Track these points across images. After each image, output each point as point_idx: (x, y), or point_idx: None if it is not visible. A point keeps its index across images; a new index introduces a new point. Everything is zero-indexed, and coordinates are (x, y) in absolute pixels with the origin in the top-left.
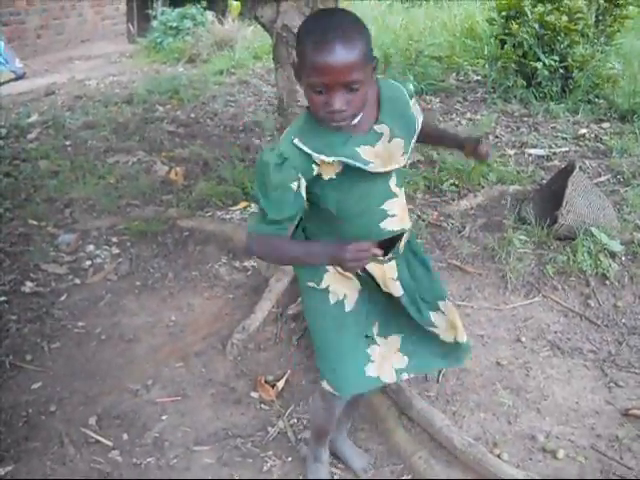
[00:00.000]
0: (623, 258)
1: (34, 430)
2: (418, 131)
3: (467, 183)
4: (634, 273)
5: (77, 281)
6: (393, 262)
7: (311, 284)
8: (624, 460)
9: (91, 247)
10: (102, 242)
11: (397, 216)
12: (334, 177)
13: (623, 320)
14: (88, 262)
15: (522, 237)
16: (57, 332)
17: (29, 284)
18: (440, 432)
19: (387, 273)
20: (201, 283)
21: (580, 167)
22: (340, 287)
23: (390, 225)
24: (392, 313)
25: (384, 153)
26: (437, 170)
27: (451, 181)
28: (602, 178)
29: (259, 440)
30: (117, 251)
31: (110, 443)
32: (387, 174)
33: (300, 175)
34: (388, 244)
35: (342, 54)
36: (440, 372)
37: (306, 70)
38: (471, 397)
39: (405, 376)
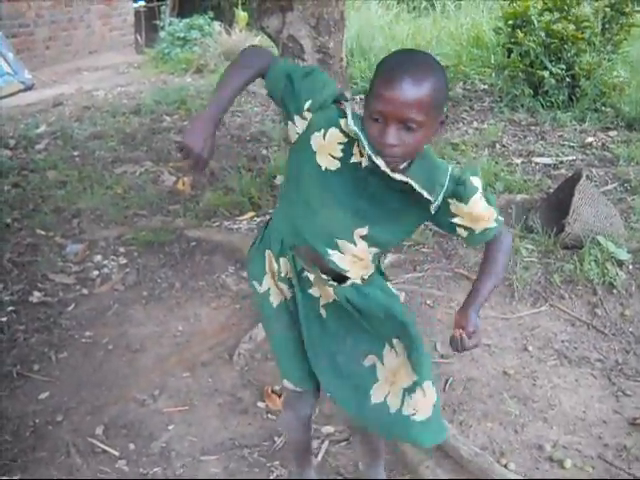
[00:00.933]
0: (630, 267)
1: (41, 440)
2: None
3: None
4: None
5: (85, 291)
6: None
7: (253, 283)
8: (632, 470)
9: (98, 257)
10: (109, 252)
11: (346, 260)
12: (327, 168)
13: (630, 329)
14: (95, 272)
15: (529, 246)
16: (64, 342)
17: (37, 294)
18: (447, 442)
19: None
20: (208, 293)
21: (587, 176)
22: (279, 290)
23: (338, 260)
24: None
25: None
26: None
27: None
28: (609, 186)
29: (266, 450)
30: (124, 261)
31: (117, 453)
32: (358, 222)
33: (310, 115)
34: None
35: (407, 87)
36: (447, 381)
37: (370, 98)
38: (478, 406)
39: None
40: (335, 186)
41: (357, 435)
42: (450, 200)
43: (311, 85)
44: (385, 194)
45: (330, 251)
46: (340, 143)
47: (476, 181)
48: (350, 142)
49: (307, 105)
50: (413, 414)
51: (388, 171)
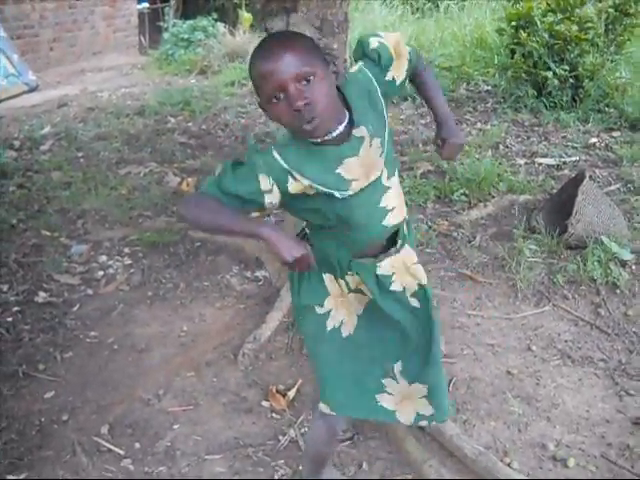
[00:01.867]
0: (633, 267)
1: (47, 439)
2: (388, 129)
3: (477, 193)
4: None
5: (89, 291)
6: (406, 246)
7: (311, 305)
8: (635, 469)
9: (103, 258)
10: (114, 253)
11: (396, 208)
12: (317, 199)
13: (634, 329)
14: (100, 272)
15: (532, 246)
16: (70, 342)
17: (42, 294)
18: (450, 441)
19: (407, 259)
20: (212, 293)
21: (590, 176)
22: (338, 313)
23: (392, 219)
24: (415, 359)
25: (367, 160)
26: (447, 180)
27: (461, 191)
28: (612, 187)
29: (270, 449)
30: (129, 262)
31: (122, 452)
32: (380, 176)
33: (272, 181)
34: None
35: (282, 51)
36: (450, 381)
37: (260, 89)
38: (481, 406)
39: (424, 423)
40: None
41: None
42: (381, 75)
43: (248, 169)
44: (370, 151)
45: (385, 221)
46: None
47: (375, 41)
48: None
49: (263, 182)
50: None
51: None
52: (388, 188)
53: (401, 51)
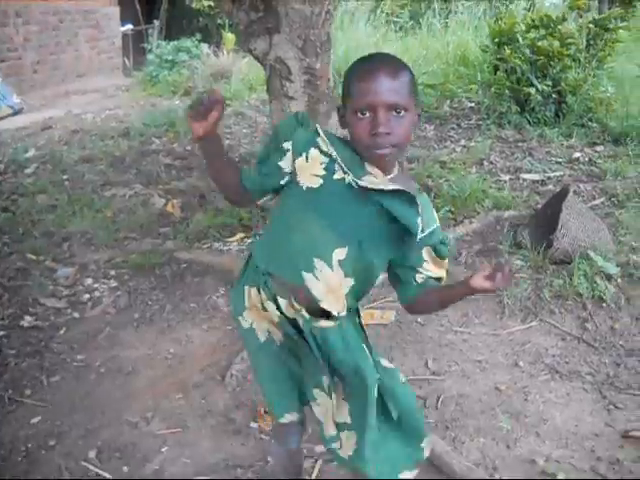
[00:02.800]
0: (619, 280)
1: (34, 465)
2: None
3: (463, 209)
4: (630, 295)
5: (76, 315)
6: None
7: (238, 318)
8: None
9: (89, 281)
10: (100, 275)
11: (321, 288)
12: (309, 187)
13: (620, 342)
14: (86, 296)
15: (518, 262)
16: (56, 366)
17: (28, 318)
18: (440, 458)
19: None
20: (199, 315)
21: (574, 191)
22: (261, 324)
23: (313, 287)
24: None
25: (366, 222)
26: (432, 197)
27: (447, 208)
28: (597, 201)
29: (259, 470)
30: (115, 284)
31: (110, 476)
32: (339, 242)
33: (300, 146)
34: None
35: (388, 75)
36: (438, 398)
37: (352, 99)
38: (470, 422)
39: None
40: (316, 202)
41: None
42: (426, 247)
43: (277, 133)
44: (368, 213)
45: (305, 274)
46: (322, 162)
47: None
48: (332, 159)
49: (285, 144)
50: (338, 448)
51: (376, 185)
52: (330, 266)
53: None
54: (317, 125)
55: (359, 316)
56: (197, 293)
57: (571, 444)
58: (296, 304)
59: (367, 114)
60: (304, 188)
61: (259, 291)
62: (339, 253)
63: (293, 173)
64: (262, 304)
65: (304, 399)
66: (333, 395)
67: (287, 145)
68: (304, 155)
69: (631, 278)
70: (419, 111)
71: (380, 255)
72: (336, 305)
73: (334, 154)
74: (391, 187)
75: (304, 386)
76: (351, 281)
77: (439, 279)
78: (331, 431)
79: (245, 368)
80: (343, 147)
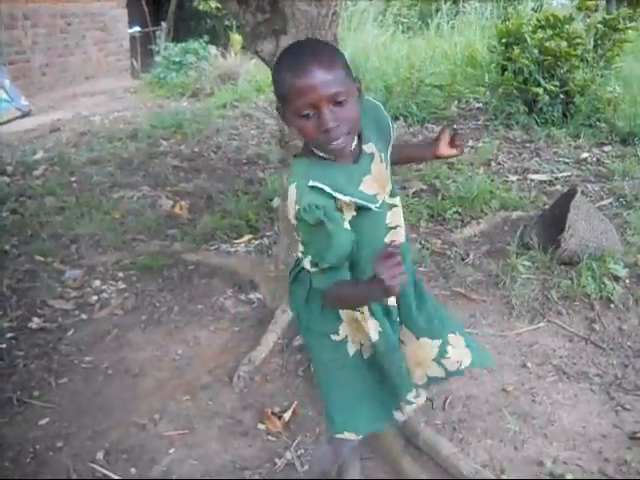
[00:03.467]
0: (627, 281)
1: (42, 466)
2: (393, 137)
3: (470, 210)
4: (639, 296)
5: (84, 316)
6: None
7: (328, 335)
8: None
9: (97, 282)
10: (108, 277)
11: (399, 226)
12: (351, 218)
13: (628, 343)
14: (94, 297)
15: (526, 263)
16: (64, 367)
17: (36, 320)
18: (447, 460)
19: None
20: (207, 316)
21: (582, 191)
22: (355, 337)
23: (394, 236)
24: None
25: (379, 174)
26: (440, 198)
27: (454, 209)
28: (604, 202)
29: (267, 472)
30: (123, 286)
31: (118, 477)
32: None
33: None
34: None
35: (319, 69)
36: (446, 399)
37: (290, 101)
38: (477, 424)
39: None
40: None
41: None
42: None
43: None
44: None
45: (386, 239)
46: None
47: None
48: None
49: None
50: (459, 366)
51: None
52: (394, 205)
53: None
54: (310, 185)
55: None
56: (205, 295)
57: (579, 445)
58: None
59: (310, 114)
60: (349, 219)
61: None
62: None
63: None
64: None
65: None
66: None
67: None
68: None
69: (639, 279)
70: (358, 85)
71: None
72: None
73: (347, 199)
74: (368, 151)
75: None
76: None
77: None
78: (422, 379)
79: (253, 370)
80: (328, 173)
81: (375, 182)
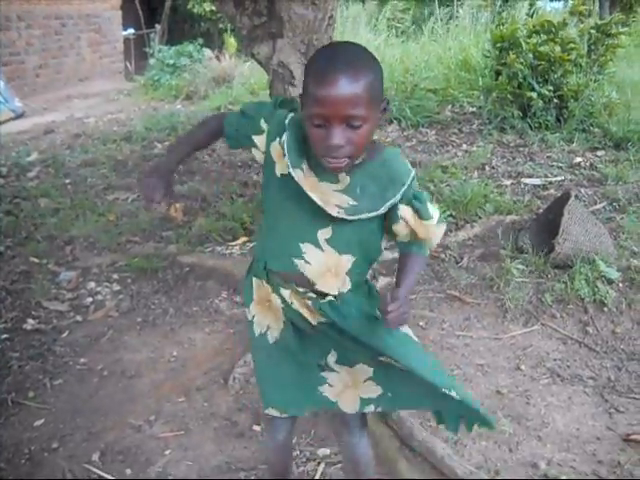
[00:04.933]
0: (620, 285)
1: (37, 467)
2: (387, 207)
3: (464, 214)
4: (632, 299)
5: (78, 318)
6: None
7: (245, 310)
8: None
9: (92, 284)
10: (103, 279)
11: (314, 270)
12: (282, 173)
13: (622, 346)
14: (89, 299)
15: (520, 266)
16: (59, 369)
17: (31, 321)
18: (442, 461)
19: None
20: (202, 318)
21: (576, 195)
22: (263, 318)
23: (306, 271)
24: (353, 346)
25: (323, 195)
26: (434, 202)
27: (448, 212)
28: (598, 206)
29: (262, 473)
30: (118, 288)
31: (113, 479)
32: (320, 222)
33: (267, 127)
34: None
35: (344, 85)
36: None
37: (307, 102)
38: None
39: (372, 408)
40: (291, 189)
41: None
42: (402, 204)
43: (262, 106)
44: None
45: (296, 261)
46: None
47: (432, 209)
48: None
49: (262, 122)
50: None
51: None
52: (319, 246)
53: (424, 236)
54: (288, 116)
55: (370, 287)
56: (200, 297)
57: (572, 447)
58: (300, 289)
59: (321, 125)
60: (278, 175)
61: (264, 284)
62: (324, 233)
63: (267, 155)
64: (268, 298)
65: (300, 399)
66: (347, 368)
67: (264, 125)
68: (277, 139)
69: (632, 283)
70: (384, 104)
71: (367, 229)
72: (335, 284)
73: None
74: (341, 179)
75: (309, 376)
76: (351, 257)
77: (421, 240)
78: (355, 404)
79: (248, 371)
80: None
81: (312, 186)
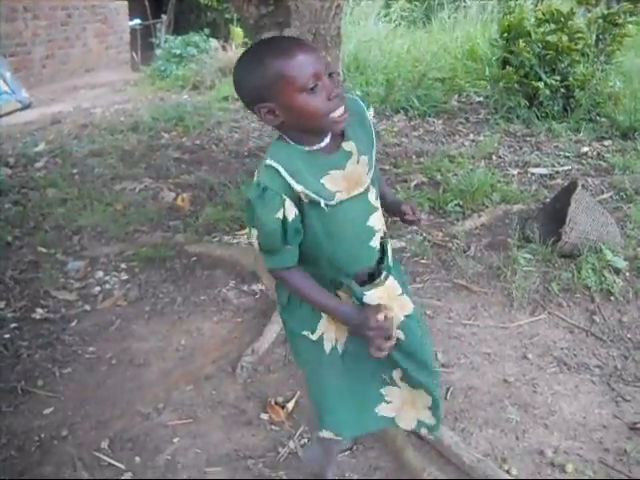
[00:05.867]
0: (627, 274)
1: (47, 455)
2: (376, 144)
3: (471, 203)
4: (638, 288)
5: (87, 307)
6: (391, 278)
7: (304, 333)
8: (632, 473)
9: (100, 273)
10: (111, 268)
11: (381, 229)
12: (311, 209)
13: (628, 335)
14: (97, 288)
15: (527, 255)
16: (68, 358)
17: (39, 311)
18: (449, 449)
19: (391, 291)
20: (210, 307)
21: (583, 185)
22: (332, 332)
23: (378, 241)
24: (413, 365)
25: (353, 175)
26: (441, 191)
27: (455, 202)
28: (605, 195)
29: (270, 461)
30: (126, 277)
31: (122, 466)
32: (365, 190)
33: (284, 197)
34: (380, 261)
35: (308, 46)
36: (447, 390)
37: (287, 84)
38: (479, 414)
39: (424, 432)
40: (338, 211)
41: None
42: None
43: (262, 215)
44: (357, 167)
45: (371, 242)
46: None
47: None
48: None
49: (286, 205)
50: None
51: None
52: (376, 209)
53: None
54: (267, 163)
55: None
56: (207, 286)
57: (579, 436)
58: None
59: (317, 85)
60: (307, 201)
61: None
62: (373, 194)
63: (299, 204)
64: None
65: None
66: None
67: (279, 213)
68: (290, 192)
69: (639, 272)
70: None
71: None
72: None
73: (299, 188)
74: (347, 148)
75: (369, 394)
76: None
77: None
78: (412, 422)
79: (256, 360)
80: (293, 159)
81: (345, 180)
